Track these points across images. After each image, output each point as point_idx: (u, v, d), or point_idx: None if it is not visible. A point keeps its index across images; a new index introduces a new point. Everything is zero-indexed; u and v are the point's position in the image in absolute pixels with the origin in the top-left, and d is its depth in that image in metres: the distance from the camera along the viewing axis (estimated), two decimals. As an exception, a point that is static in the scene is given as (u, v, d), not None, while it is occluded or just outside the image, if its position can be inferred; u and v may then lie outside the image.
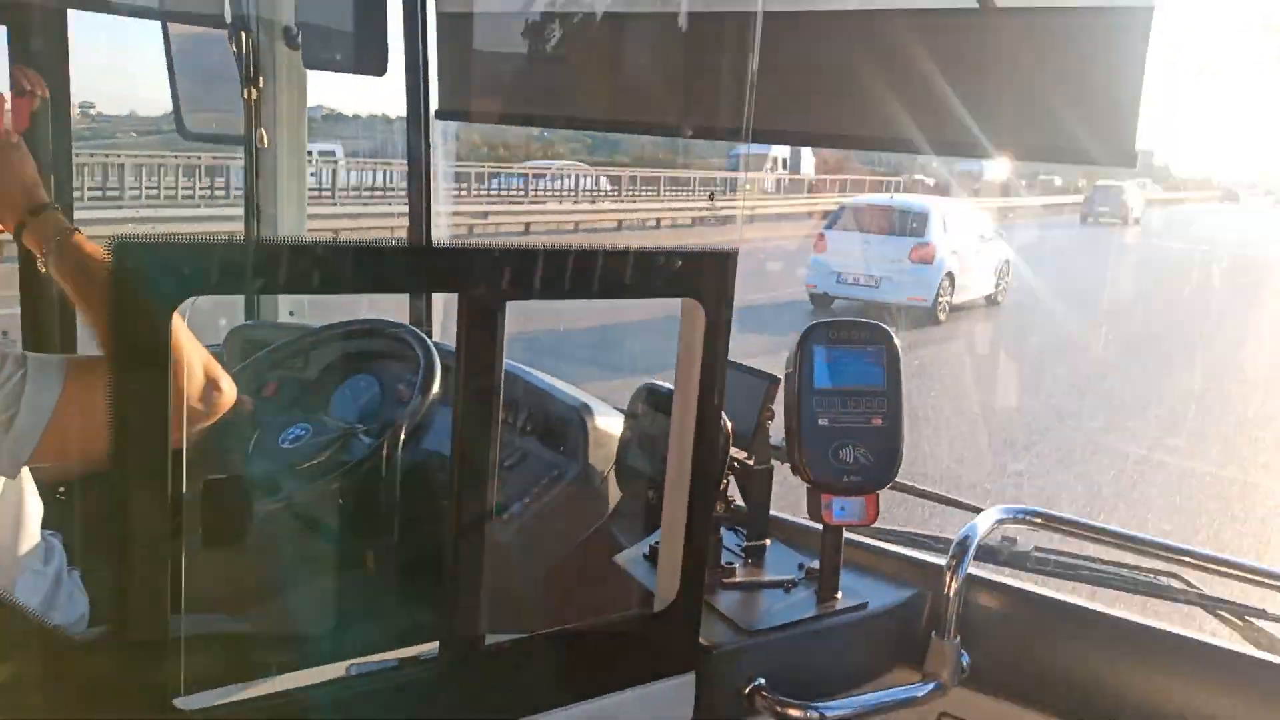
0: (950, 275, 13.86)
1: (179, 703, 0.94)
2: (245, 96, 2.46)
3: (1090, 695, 1.37)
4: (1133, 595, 1.62)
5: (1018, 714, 1.43)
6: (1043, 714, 1.41)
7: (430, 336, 2.04)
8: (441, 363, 1.80)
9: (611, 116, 2.39)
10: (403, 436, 1.66)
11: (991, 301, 15.31)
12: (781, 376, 1.44)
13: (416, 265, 1.13)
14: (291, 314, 2.53)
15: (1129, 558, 1.62)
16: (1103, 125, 1.47)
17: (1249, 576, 1.54)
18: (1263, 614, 1.51)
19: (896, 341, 1.43)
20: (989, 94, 1.58)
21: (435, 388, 1.76)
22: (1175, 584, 1.60)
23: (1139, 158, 1.48)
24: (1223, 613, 1.56)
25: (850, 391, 1.39)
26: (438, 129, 2.48)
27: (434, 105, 2.43)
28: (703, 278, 1.15)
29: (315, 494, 1.60)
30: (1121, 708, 1.35)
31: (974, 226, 15.55)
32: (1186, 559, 1.61)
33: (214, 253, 0.89)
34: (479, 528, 1.06)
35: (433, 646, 1.09)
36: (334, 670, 1.07)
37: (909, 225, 14.31)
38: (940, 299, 13.70)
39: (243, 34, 2.45)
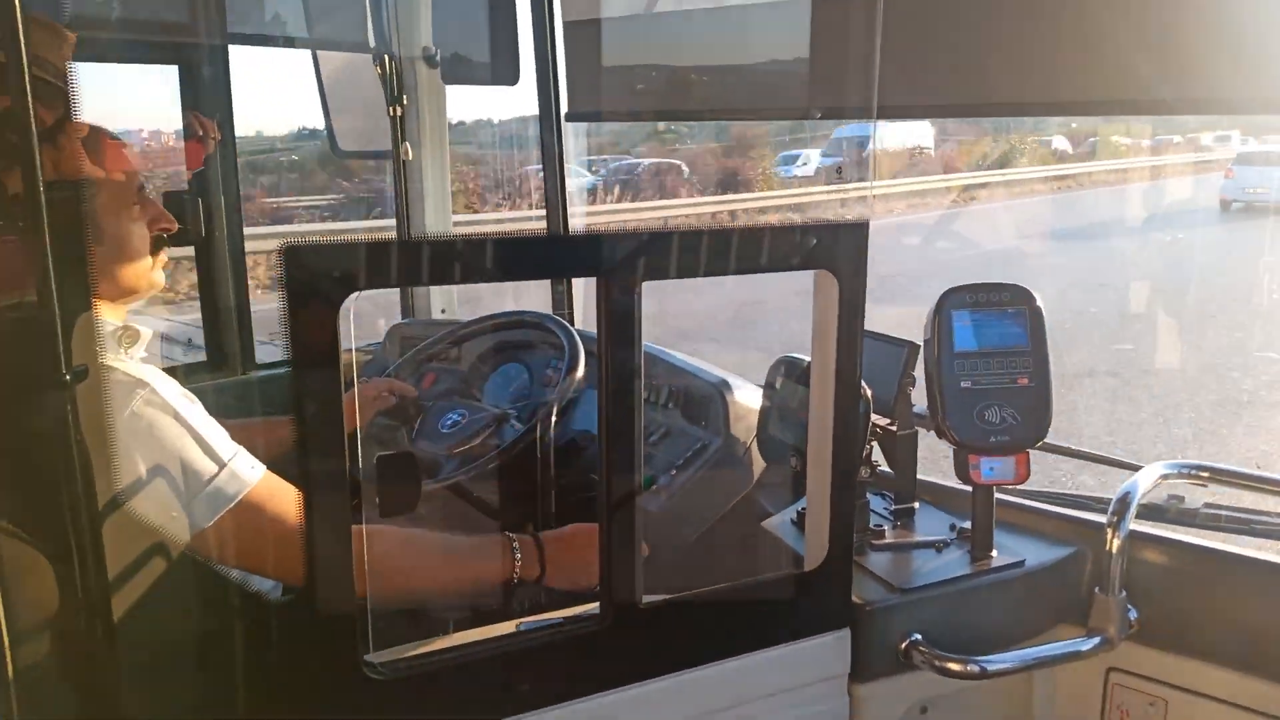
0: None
1: (370, 659, 1.03)
2: (390, 114, 2.63)
3: (1266, 646, 1.32)
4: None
5: (1191, 667, 1.38)
6: (1216, 666, 1.35)
7: (573, 324, 2.13)
8: (585, 348, 1.87)
9: (738, 105, 2.42)
10: (554, 418, 1.74)
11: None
12: (920, 343, 1.44)
13: (556, 253, 1.20)
14: (444, 311, 2.68)
15: None
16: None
17: None
18: None
19: (1039, 301, 1.41)
20: (1128, 42, 1.52)
21: (580, 371, 1.83)
22: None
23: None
24: None
25: (993, 353, 1.38)
26: (568, 130, 2.58)
27: (564, 108, 2.53)
28: (836, 249, 1.17)
29: (474, 474, 1.70)
30: None
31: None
32: None
33: (372, 252, 0.97)
34: (630, 498, 1.11)
35: (593, 607, 1.16)
36: (505, 629, 1.14)
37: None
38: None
39: (386, 57, 2.62)
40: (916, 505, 1.53)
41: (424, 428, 1.83)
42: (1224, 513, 1.54)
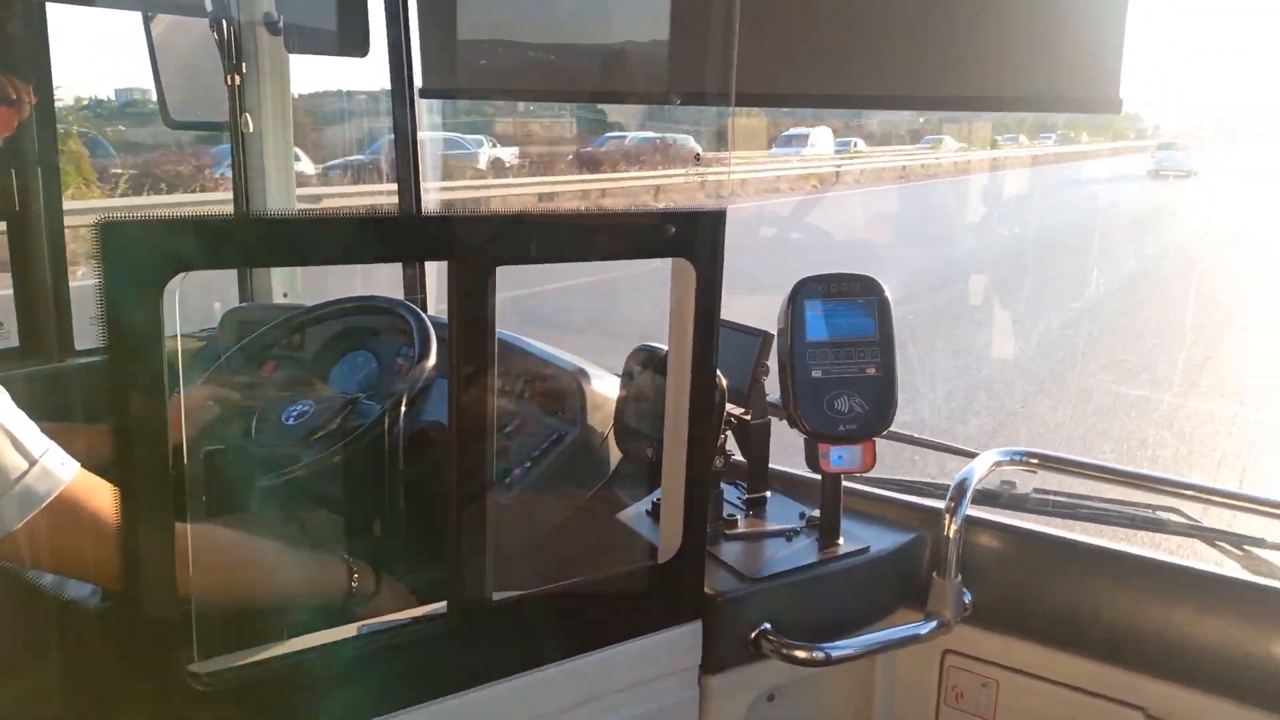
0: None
1: (194, 668, 0.96)
2: (229, 83, 2.48)
3: (1092, 626, 1.39)
4: (1133, 531, 1.64)
5: (1021, 648, 1.45)
6: (1046, 646, 1.43)
7: (425, 310, 2.06)
8: (438, 335, 1.81)
9: (596, 87, 2.39)
10: (404, 407, 1.68)
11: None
12: (774, 332, 1.45)
13: (405, 234, 1.14)
14: (285, 295, 2.55)
15: (1128, 494, 1.64)
16: (1088, 70, 1.47)
17: (1246, 506, 1.56)
18: (1261, 542, 1.53)
19: (887, 292, 1.44)
20: (969, 44, 1.57)
21: (432, 359, 1.77)
22: (1174, 517, 1.62)
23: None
24: (1221, 543, 1.58)
25: (843, 343, 1.40)
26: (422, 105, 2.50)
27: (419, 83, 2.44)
28: (693, 237, 1.16)
29: (329, 460, 1.62)
30: (1123, 637, 1.37)
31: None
32: (1185, 492, 1.63)
33: (202, 229, 0.90)
34: (480, 491, 1.08)
35: (441, 606, 1.12)
36: (347, 632, 1.09)
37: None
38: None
39: (224, 22, 2.46)
40: (768, 494, 1.56)
41: (265, 422, 1.72)
42: (1052, 498, 1.63)
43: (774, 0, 1.79)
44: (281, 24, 2.48)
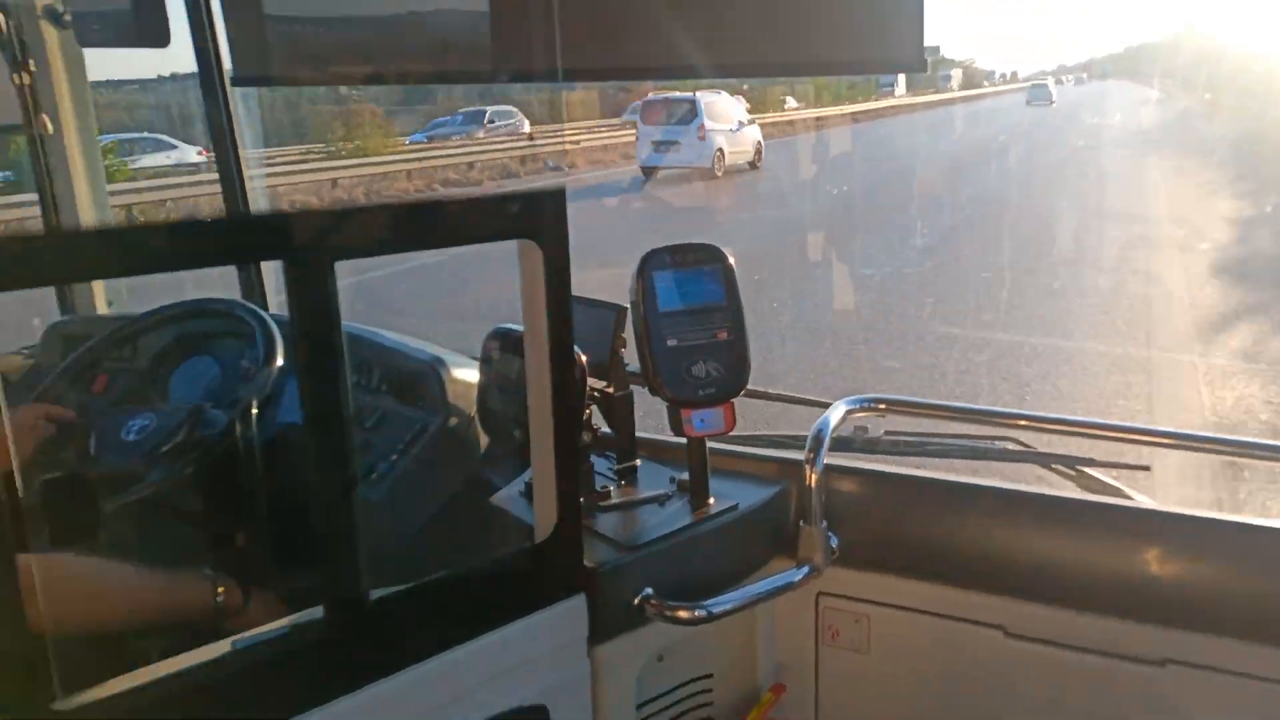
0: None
1: (58, 706, 0.90)
2: (16, 82, 2.28)
3: (950, 556, 1.49)
4: (977, 462, 1.76)
5: (889, 582, 1.53)
6: (911, 579, 1.51)
7: (266, 308, 1.97)
8: (282, 334, 1.74)
9: (421, 68, 2.33)
10: (255, 410, 1.61)
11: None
12: (627, 305, 1.47)
13: (233, 237, 1.08)
14: (111, 304, 2.38)
15: (970, 429, 1.75)
16: (890, 29, 1.54)
17: (1076, 430, 1.69)
18: (1091, 462, 1.67)
19: (730, 259, 1.48)
20: (765, 9, 1.61)
21: (279, 359, 1.70)
22: (1013, 446, 1.74)
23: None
24: (1057, 466, 1.71)
25: (695, 310, 1.43)
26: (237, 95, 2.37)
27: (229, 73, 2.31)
28: (536, 217, 1.16)
29: (181, 476, 1.53)
30: (978, 562, 1.47)
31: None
32: (1021, 422, 1.75)
33: (9, 247, 0.84)
34: (346, 489, 1.05)
35: (317, 610, 1.08)
36: (221, 649, 1.04)
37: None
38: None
39: (2, 16, 2.26)
40: (638, 462, 1.58)
41: (104, 440, 1.61)
42: (902, 439, 1.72)
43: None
44: (69, 15, 2.30)
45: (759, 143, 21.60)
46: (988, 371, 6.78)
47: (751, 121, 21.71)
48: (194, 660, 1.02)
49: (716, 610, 1.35)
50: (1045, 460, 1.72)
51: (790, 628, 1.62)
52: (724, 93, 21.32)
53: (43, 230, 2.17)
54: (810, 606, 1.60)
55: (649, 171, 20.01)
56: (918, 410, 1.74)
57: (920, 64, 1.52)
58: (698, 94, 19.84)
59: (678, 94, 20.37)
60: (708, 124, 19.70)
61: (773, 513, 1.54)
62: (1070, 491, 1.58)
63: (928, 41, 1.53)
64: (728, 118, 20.54)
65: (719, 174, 19.63)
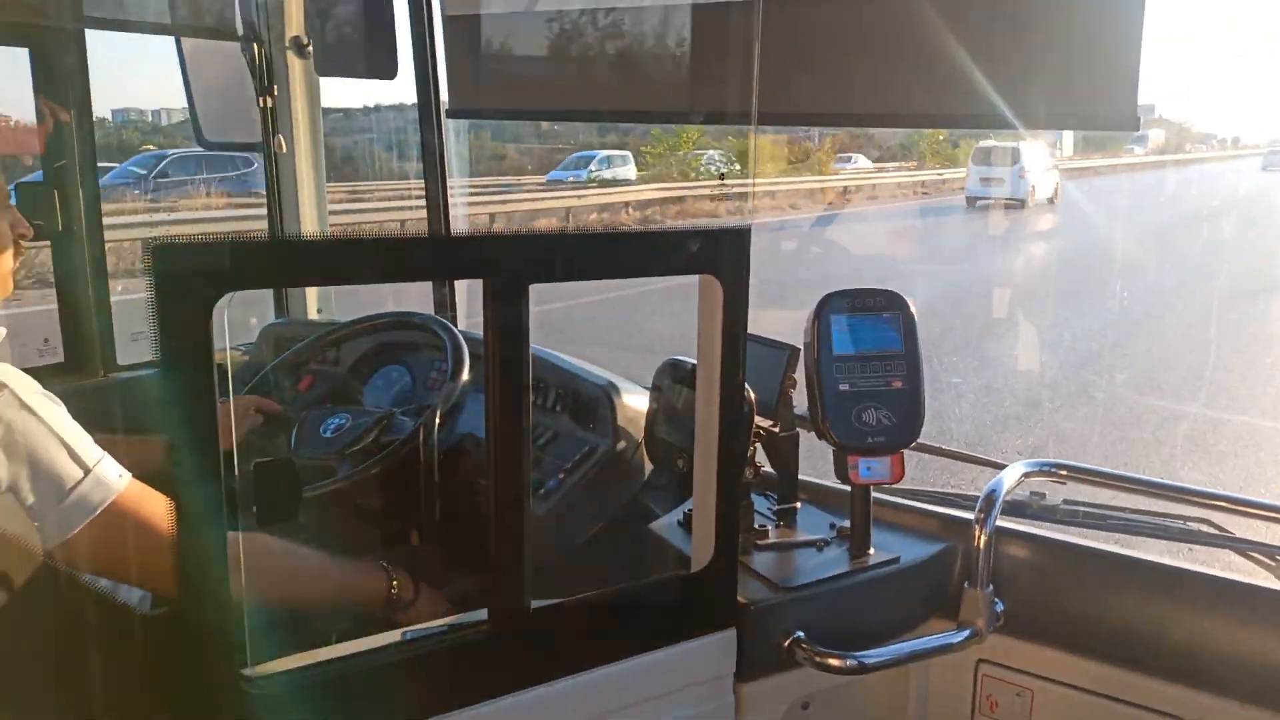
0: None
1: (248, 672, 0.99)
2: (261, 104, 2.53)
3: (1125, 636, 1.40)
4: (1164, 541, 1.64)
5: (1055, 657, 1.45)
6: (1080, 656, 1.43)
7: (456, 324, 2.10)
8: (469, 349, 1.84)
9: (621, 107, 2.42)
10: (439, 419, 1.71)
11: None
12: (800, 346, 1.47)
13: (438, 255, 1.17)
14: (320, 311, 2.59)
15: (1158, 505, 1.64)
16: (1103, 87, 1.49)
17: (1277, 516, 1.56)
18: None
19: (912, 307, 1.46)
20: (988, 62, 1.59)
21: (465, 374, 1.80)
22: (1205, 528, 1.62)
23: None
24: (1254, 554, 1.58)
25: (869, 356, 1.42)
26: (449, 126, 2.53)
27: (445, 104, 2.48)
28: (718, 253, 1.19)
29: (366, 474, 1.65)
30: (1156, 647, 1.38)
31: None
32: (1215, 503, 1.62)
33: (243, 252, 0.94)
34: (517, 502, 1.10)
35: (481, 612, 1.14)
36: (392, 637, 1.12)
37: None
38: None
39: (255, 45, 2.52)
40: (798, 505, 1.57)
41: (304, 435, 1.76)
42: (1081, 509, 1.64)
43: (792, 21, 1.82)
44: (310, 48, 2.53)
45: (1057, 184, 24.33)
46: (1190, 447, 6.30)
47: (1054, 166, 24.72)
48: (368, 644, 1.09)
49: (869, 662, 1.32)
50: (1242, 547, 1.59)
51: (945, 693, 1.56)
52: (1040, 141, 23.55)
53: (270, 237, 2.39)
54: (969, 673, 1.54)
55: (971, 201, 22.79)
56: (1102, 480, 1.65)
57: (1133, 123, 1.47)
58: (1019, 143, 21.94)
59: (1007, 143, 22.63)
60: (1026, 166, 22.49)
61: (936, 571, 1.50)
62: (1268, 581, 1.46)
63: (1142, 100, 1.48)
64: (1038, 162, 23.25)
65: (1030, 205, 22.36)
